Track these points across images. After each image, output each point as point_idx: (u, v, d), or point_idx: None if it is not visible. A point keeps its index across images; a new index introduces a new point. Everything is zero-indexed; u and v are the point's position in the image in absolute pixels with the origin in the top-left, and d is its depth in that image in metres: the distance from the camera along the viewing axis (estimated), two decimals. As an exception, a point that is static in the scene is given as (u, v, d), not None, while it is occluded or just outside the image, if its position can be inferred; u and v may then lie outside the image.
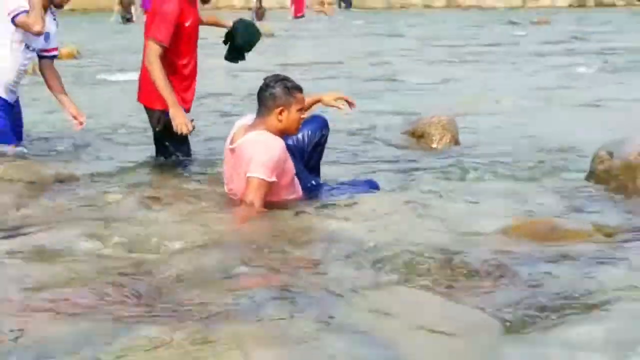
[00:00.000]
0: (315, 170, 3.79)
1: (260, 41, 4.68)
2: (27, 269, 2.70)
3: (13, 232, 3.11)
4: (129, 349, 2.05)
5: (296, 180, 3.53)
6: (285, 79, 3.46)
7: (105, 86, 8.94)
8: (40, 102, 5.47)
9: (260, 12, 26.03)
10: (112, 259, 2.81)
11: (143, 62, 4.19)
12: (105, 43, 15.40)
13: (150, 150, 4.60)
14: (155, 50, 4.03)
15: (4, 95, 4.37)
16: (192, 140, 4.52)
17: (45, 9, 4.33)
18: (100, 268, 2.69)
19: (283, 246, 2.96)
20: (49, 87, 4.64)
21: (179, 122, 4.07)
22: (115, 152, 4.99)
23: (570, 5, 33.89)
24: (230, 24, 4.59)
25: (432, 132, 5.27)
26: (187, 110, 4.27)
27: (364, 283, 2.58)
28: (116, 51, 13.29)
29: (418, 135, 5.35)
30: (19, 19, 4.20)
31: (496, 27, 20.36)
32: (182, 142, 4.30)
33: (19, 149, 4.42)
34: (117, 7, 24.61)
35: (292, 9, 27.90)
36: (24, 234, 3.08)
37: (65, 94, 4.63)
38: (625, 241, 3.08)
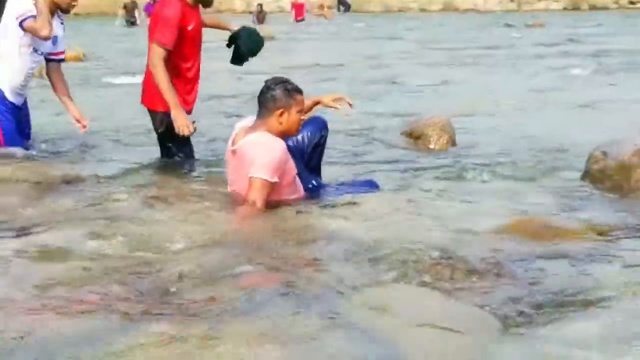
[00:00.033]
0: (316, 170, 3.81)
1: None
2: (34, 267, 2.72)
3: (20, 231, 3.12)
4: (135, 347, 2.07)
5: (298, 181, 3.55)
6: (285, 82, 3.48)
7: (110, 89, 8.97)
8: (48, 104, 5.49)
9: (261, 16, 26.16)
10: (118, 258, 2.82)
11: (147, 65, 4.22)
12: (110, 46, 15.42)
13: (154, 151, 4.62)
14: (159, 53, 4.06)
15: (11, 99, 4.40)
16: (195, 141, 4.53)
17: (53, 13, 4.36)
18: (106, 267, 2.70)
19: (285, 245, 2.97)
20: (55, 90, 4.66)
21: (181, 123, 4.11)
22: (120, 154, 5.01)
23: (564, 9, 33.98)
24: (233, 27, 4.62)
25: (430, 133, 5.31)
26: (189, 112, 4.29)
27: (364, 281, 2.60)
28: (120, 54, 13.30)
29: (416, 137, 5.39)
30: (26, 24, 4.22)
31: (493, 30, 20.38)
32: (184, 143, 4.33)
33: (28, 152, 4.44)
34: (121, 11, 24.77)
35: (293, 12, 28.03)
36: (31, 234, 3.09)
37: (70, 97, 4.65)
38: (620, 239, 3.12)
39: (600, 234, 3.18)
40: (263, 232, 3.17)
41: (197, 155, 4.54)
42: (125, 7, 25.03)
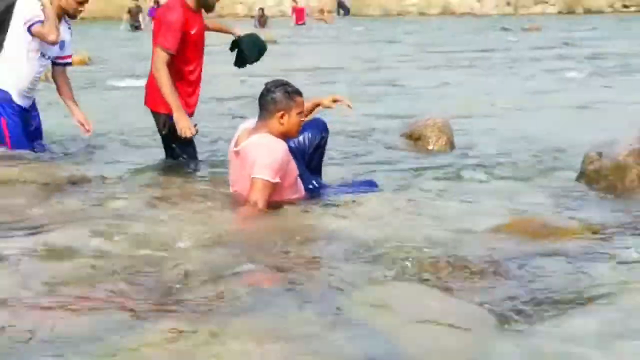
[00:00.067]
0: (316, 171, 3.83)
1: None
2: (41, 266, 2.74)
3: (28, 231, 3.14)
4: (142, 344, 2.10)
5: (299, 181, 3.57)
6: (285, 84, 3.50)
7: (115, 92, 8.97)
8: (54, 107, 5.53)
9: (262, 20, 26.27)
10: (123, 256, 2.84)
11: (151, 68, 4.26)
12: (115, 50, 15.43)
13: (158, 152, 4.65)
14: (162, 57, 4.09)
15: (18, 102, 4.42)
16: (199, 142, 4.55)
17: (60, 18, 4.39)
18: (112, 265, 2.72)
19: (287, 244, 3.00)
20: (60, 92, 4.69)
21: (183, 125, 4.13)
22: (125, 155, 5.03)
23: (559, 12, 34.00)
24: (236, 31, 4.66)
25: (428, 134, 5.33)
26: (191, 115, 4.31)
27: (365, 279, 2.63)
28: (125, 58, 13.31)
29: (415, 138, 5.40)
30: (34, 29, 4.26)
31: (490, 33, 20.40)
32: (187, 144, 4.35)
33: (36, 153, 4.47)
34: (126, 16, 24.87)
35: (294, 17, 28.12)
36: (39, 233, 3.11)
37: (74, 101, 4.68)
38: (615, 237, 3.15)
39: (595, 232, 3.20)
40: (265, 232, 3.19)
41: (200, 157, 4.56)
42: (130, 11, 25.11)
